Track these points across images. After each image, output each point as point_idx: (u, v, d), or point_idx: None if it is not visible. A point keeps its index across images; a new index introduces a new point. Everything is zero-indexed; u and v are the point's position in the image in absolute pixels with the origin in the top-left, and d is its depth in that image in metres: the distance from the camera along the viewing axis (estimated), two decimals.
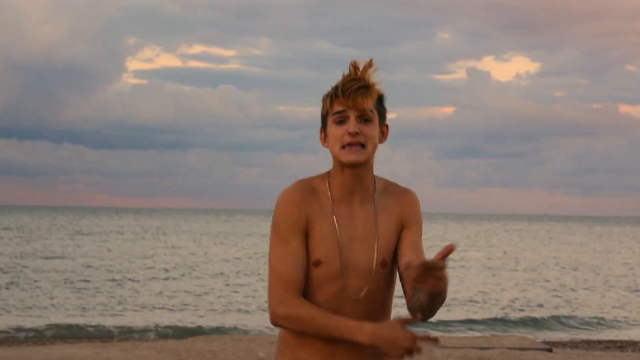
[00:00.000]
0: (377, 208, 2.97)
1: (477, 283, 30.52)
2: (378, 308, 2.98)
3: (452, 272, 32.46)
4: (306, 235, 2.93)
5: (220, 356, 9.46)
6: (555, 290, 28.40)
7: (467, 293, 26.54)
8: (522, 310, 22.68)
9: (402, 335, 2.72)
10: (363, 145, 2.89)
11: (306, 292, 2.92)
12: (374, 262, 2.93)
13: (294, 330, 2.89)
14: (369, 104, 2.88)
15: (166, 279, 29.99)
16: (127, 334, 16.77)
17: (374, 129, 2.92)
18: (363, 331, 2.77)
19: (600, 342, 14.89)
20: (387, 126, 3.00)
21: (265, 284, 25.85)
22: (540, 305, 23.71)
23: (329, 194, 2.97)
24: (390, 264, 2.97)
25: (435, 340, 2.73)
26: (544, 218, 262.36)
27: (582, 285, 30.57)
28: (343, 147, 2.89)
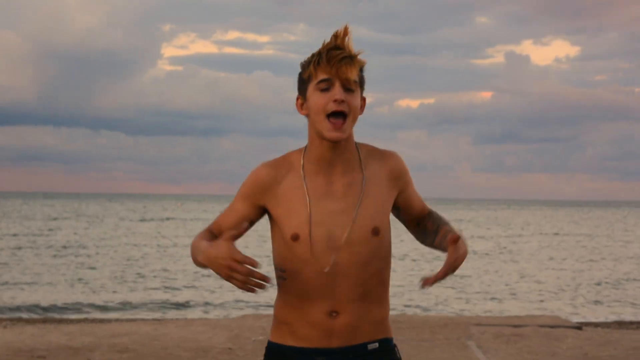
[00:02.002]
0: (363, 175, 2.89)
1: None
2: (374, 280, 2.87)
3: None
4: (260, 207, 2.91)
5: (269, 331, 10.15)
6: None
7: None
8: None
9: (222, 253, 2.61)
10: (346, 116, 2.81)
11: (295, 271, 2.84)
12: (363, 231, 2.83)
13: (196, 264, 2.80)
14: (354, 73, 2.81)
15: None
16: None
17: (356, 100, 2.84)
18: (202, 249, 2.71)
19: (632, 322, 15.40)
20: (364, 99, 2.92)
21: None
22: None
23: (302, 167, 2.88)
24: (384, 231, 2.88)
25: (263, 279, 2.61)
26: (588, 204, 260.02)
27: None
28: (327, 116, 2.81)
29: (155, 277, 25.80)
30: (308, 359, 2.89)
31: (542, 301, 21.49)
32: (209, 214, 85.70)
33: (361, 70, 2.87)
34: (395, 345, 2.98)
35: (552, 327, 11.24)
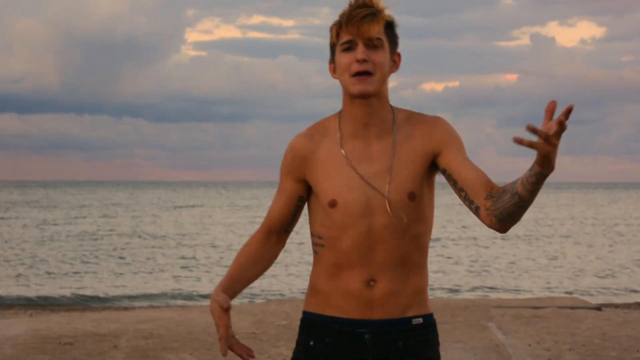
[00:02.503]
0: (395, 139, 2.80)
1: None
2: (412, 245, 2.78)
3: None
4: (303, 180, 2.87)
5: (293, 316, 10.31)
6: None
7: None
8: None
9: (217, 319, 2.77)
10: (371, 74, 2.74)
11: (333, 238, 2.79)
12: (399, 195, 2.75)
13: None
14: (376, 30, 2.73)
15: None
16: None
17: (383, 56, 2.76)
18: (214, 291, 2.84)
19: None
20: (399, 55, 2.85)
21: None
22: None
23: (339, 131, 2.83)
24: (420, 196, 2.79)
25: (249, 354, 2.80)
26: (614, 186, 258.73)
27: None
28: (352, 76, 2.75)
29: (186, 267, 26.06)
30: (350, 330, 2.80)
31: (567, 281, 21.57)
32: (239, 201, 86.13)
33: (390, 26, 2.79)
34: (435, 321, 2.89)
35: (571, 308, 11.36)
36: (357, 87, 2.74)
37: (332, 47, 2.83)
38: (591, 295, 18.60)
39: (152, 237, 37.32)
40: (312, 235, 2.88)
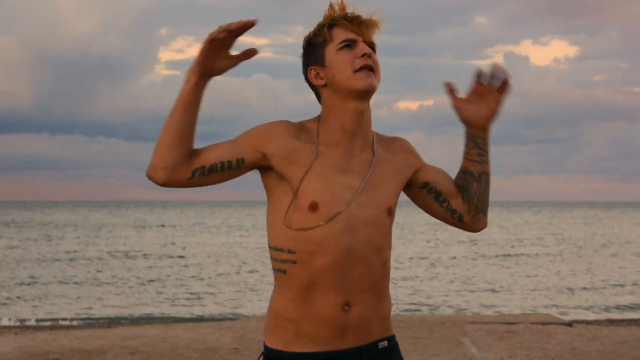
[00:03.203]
0: (376, 153, 2.69)
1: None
2: (383, 268, 2.66)
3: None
4: (263, 159, 2.61)
5: None
6: None
7: None
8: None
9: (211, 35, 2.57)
10: (374, 70, 2.63)
11: (308, 252, 2.54)
12: (379, 210, 2.61)
13: (169, 145, 2.55)
14: (373, 35, 2.69)
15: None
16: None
17: (378, 59, 2.67)
18: (191, 70, 2.60)
19: (622, 320, 15.86)
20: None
21: None
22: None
23: (317, 136, 2.64)
24: (394, 215, 2.67)
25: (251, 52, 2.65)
26: (584, 205, 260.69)
27: None
28: (356, 71, 2.60)
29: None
30: None
31: (542, 298, 21.96)
32: (208, 219, 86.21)
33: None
34: (397, 342, 2.77)
35: (544, 324, 11.70)
36: (364, 81, 2.59)
37: (318, 49, 2.66)
38: (564, 312, 19.00)
39: (127, 256, 37.47)
40: (277, 250, 2.58)
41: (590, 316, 18.26)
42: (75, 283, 26.08)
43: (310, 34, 2.68)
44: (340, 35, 2.63)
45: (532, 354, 9.38)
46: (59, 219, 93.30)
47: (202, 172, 2.58)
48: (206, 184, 2.59)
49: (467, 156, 2.76)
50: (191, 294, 23.29)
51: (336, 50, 2.62)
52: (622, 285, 25.53)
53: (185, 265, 32.88)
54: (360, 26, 2.64)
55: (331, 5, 2.67)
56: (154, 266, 32.50)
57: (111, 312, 19.45)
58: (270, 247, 2.60)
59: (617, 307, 20.59)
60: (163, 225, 73.86)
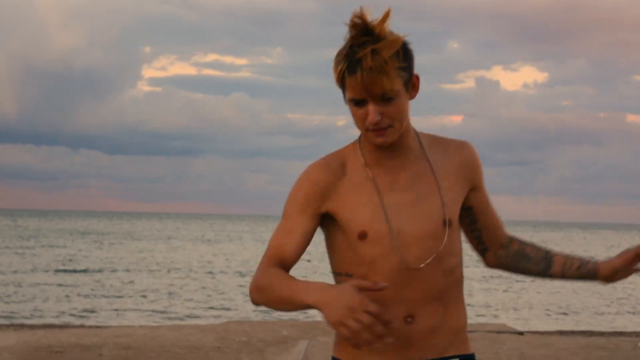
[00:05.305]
0: (425, 165, 2.58)
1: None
2: (449, 278, 2.56)
3: None
4: (320, 215, 2.55)
5: (251, 334, 11.70)
6: None
7: None
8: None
9: (351, 297, 2.24)
10: (389, 126, 2.47)
11: (362, 275, 2.51)
12: (435, 224, 2.52)
13: (264, 304, 2.50)
14: (387, 84, 2.40)
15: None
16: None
17: (398, 105, 2.45)
18: (311, 289, 2.33)
19: (573, 331, 17.04)
20: (417, 77, 2.53)
21: None
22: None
23: (362, 159, 2.57)
24: (456, 225, 2.58)
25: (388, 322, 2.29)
26: (549, 225, 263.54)
27: None
28: (367, 130, 2.49)
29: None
30: None
31: (501, 313, 23.13)
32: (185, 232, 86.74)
33: (402, 52, 2.44)
34: None
35: (497, 332, 12.86)
36: (376, 140, 2.49)
37: (340, 86, 2.50)
38: (518, 323, 20.18)
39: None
40: (339, 274, 2.59)
41: (543, 327, 19.44)
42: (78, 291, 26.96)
43: (334, 60, 2.47)
44: (348, 89, 2.45)
45: (484, 357, 10.49)
46: (62, 226, 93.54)
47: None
48: None
49: (566, 264, 2.74)
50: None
51: (348, 100, 2.48)
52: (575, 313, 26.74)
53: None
54: (367, 82, 2.39)
55: (353, 25, 2.42)
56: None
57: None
58: (333, 273, 2.62)
59: (571, 320, 21.80)
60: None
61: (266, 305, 2.47)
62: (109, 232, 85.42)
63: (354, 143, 2.61)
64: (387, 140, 2.49)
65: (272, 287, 2.43)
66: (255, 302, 2.51)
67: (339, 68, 2.44)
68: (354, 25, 2.41)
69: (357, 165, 2.57)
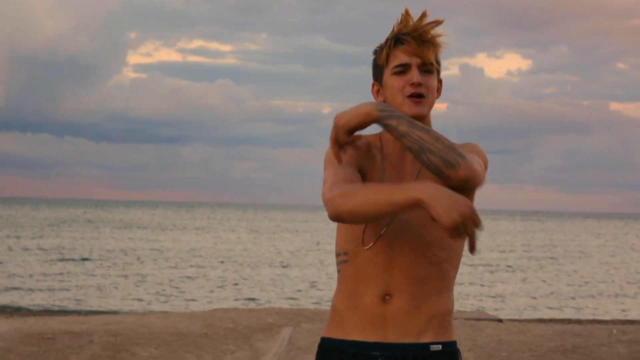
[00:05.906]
0: None
1: None
2: (433, 269, 2.67)
3: None
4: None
5: (237, 321, 12.01)
6: None
7: None
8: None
9: (462, 200, 2.36)
10: (424, 97, 2.69)
11: (354, 252, 2.69)
12: (422, 214, 2.49)
13: (351, 211, 2.47)
14: (431, 56, 2.71)
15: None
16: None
17: (434, 81, 2.73)
18: (418, 187, 2.40)
19: (551, 319, 17.44)
20: (441, 81, 2.81)
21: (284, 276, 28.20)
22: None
23: (381, 150, 2.76)
24: None
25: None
26: (535, 214, 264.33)
27: None
28: (406, 97, 2.68)
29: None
30: (362, 353, 2.68)
31: (489, 301, 23.46)
32: (178, 220, 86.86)
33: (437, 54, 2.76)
34: (458, 350, 2.74)
35: (477, 320, 13.21)
36: (411, 109, 2.68)
37: (379, 69, 2.78)
38: (498, 311, 20.54)
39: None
40: (338, 255, 2.75)
41: (522, 315, 19.83)
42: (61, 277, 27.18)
43: (377, 47, 2.79)
44: (396, 58, 2.72)
45: (463, 343, 10.83)
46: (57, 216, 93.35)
47: None
48: None
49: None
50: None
51: (390, 74, 2.73)
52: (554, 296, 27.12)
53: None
54: (415, 49, 2.70)
55: (406, 13, 2.75)
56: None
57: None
58: (336, 255, 2.78)
59: (550, 308, 22.21)
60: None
61: (353, 210, 2.47)
62: (101, 220, 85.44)
63: (375, 135, 2.80)
64: (422, 110, 2.69)
65: (364, 190, 2.49)
66: (339, 211, 2.49)
67: (389, 43, 2.72)
68: (403, 19, 2.73)
69: (375, 152, 2.76)
